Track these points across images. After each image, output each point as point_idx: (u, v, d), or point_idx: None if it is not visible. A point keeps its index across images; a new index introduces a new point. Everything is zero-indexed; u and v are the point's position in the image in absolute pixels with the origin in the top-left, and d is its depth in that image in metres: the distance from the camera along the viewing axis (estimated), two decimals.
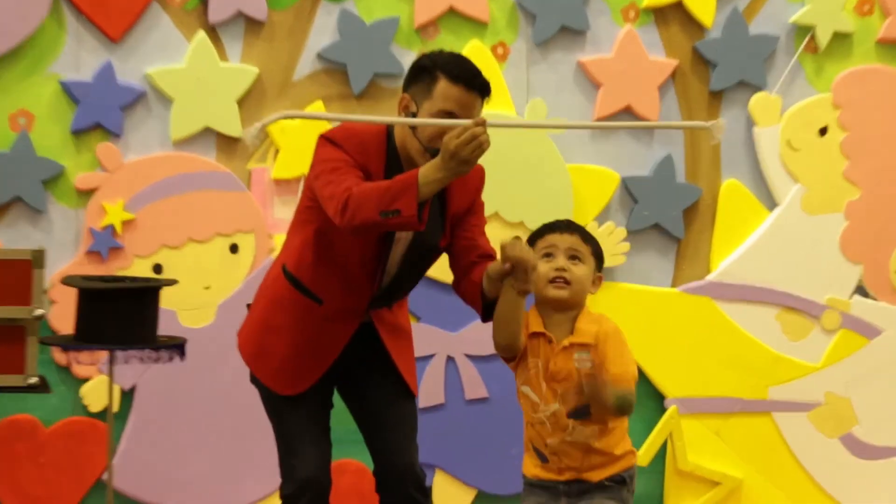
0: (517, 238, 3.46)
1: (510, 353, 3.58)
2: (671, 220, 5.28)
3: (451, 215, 3.66)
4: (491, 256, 3.65)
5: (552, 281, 3.55)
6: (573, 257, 3.57)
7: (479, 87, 3.51)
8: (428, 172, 3.35)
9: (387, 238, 3.61)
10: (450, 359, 5.13)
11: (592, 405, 3.45)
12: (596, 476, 3.54)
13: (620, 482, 3.57)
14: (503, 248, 3.44)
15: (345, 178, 3.45)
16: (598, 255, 3.62)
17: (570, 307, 3.57)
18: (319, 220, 3.60)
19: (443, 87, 3.49)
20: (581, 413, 3.49)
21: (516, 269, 3.42)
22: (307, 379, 3.71)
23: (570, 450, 3.52)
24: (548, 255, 3.57)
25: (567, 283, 3.54)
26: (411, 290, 3.79)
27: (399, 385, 3.77)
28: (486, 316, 3.60)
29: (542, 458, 3.56)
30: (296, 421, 3.72)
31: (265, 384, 3.76)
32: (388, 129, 3.62)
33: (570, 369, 3.50)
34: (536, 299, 3.59)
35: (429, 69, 3.53)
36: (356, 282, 3.65)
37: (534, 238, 3.62)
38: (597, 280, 3.62)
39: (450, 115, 3.47)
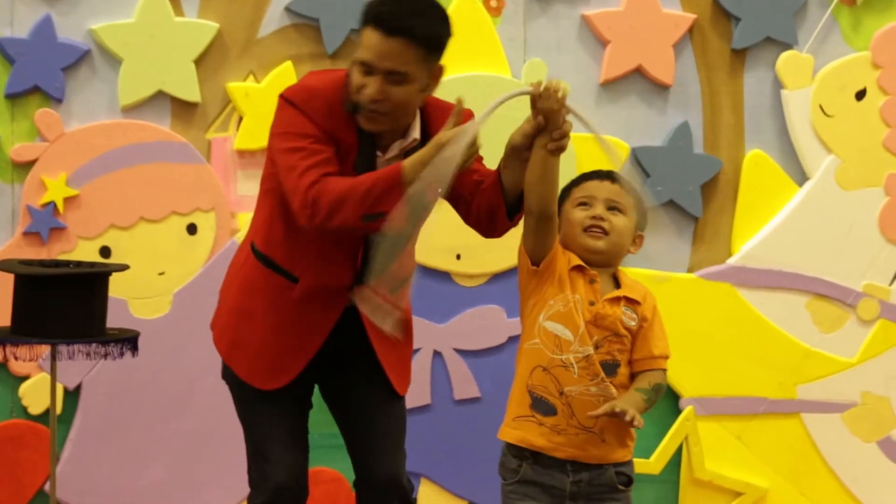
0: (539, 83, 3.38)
1: (544, 230, 3.49)
2: (687, 196, 5.26)
3: None
4: (496, 171, 3.56)
5: (587, 229, 3.58)
6: (613, 208, 3.61)
7: (402, 31, 3.40)
8: (415, 168, 3.37)
9: None
10: (436, 354, 5.09)
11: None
12: (607, 455, 3.55)
13: (629, 483, 3.62)
14: (533, 97, 3.37)
15: (308, 167, 3.44)
16: (641, 212, 3.65)
17: (606, 262, 3.59)
18: None
19: (364, 33, 3.47)
20: (611, 368, 3.55)
21: (549, 120, 3.38)
22: (288, 370, 3.69)
23: (588, 405, 3.51)
24: (584, 205, 3.61)
25: (605, 232, 3.58)
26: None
27: (387, 383, 3.76)
28: (513, 211, 3.53)
29: (549, 411, 3.53)
30: (271, 422, 3.71)
31: (242, 378, 3.72)
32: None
33: (616, 319, 3.55)
34: (569, 249, 3.59)
35: (362, 18, 3.50)
36: (335, 254, 3.62)
37: (570, 186, 3.65)
38: (637, 239, 3.65)
39: (363, 65, 3.44)
